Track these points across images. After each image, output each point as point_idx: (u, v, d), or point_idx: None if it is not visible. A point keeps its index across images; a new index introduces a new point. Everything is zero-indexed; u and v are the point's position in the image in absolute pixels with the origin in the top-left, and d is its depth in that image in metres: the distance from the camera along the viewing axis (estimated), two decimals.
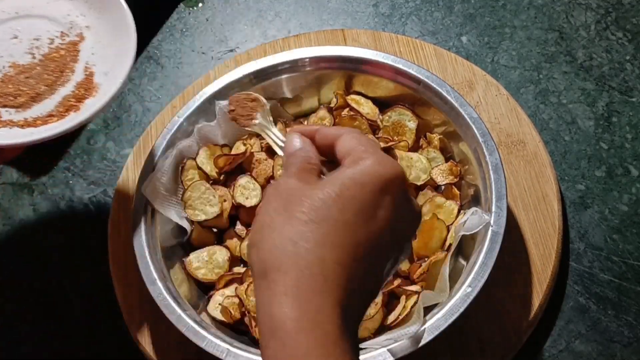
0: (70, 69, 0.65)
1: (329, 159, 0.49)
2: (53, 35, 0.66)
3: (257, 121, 0.59)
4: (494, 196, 0.65)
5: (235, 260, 0.72)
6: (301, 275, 0.40)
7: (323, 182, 0.44)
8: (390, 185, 0.44)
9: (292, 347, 0.38)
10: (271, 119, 0.62)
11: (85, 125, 0.84)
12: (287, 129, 0.55)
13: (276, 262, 0.41)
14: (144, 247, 0.67)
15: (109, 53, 0.65)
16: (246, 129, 0.61)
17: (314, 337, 0.39)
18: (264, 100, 0.64)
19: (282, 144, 0.54)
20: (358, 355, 0.42)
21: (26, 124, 0.62)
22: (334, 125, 0.74)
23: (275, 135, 0.56)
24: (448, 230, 0.68)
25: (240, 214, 0.74)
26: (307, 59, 0.75)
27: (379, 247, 0.43)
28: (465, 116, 0.69)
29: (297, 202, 0.42)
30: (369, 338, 0.65)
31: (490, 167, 0.66)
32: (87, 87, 0.64)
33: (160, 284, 0.65)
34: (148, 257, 0.67)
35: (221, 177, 0.76)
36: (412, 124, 0.74)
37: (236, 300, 0.68)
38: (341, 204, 0.42)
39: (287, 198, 0.43)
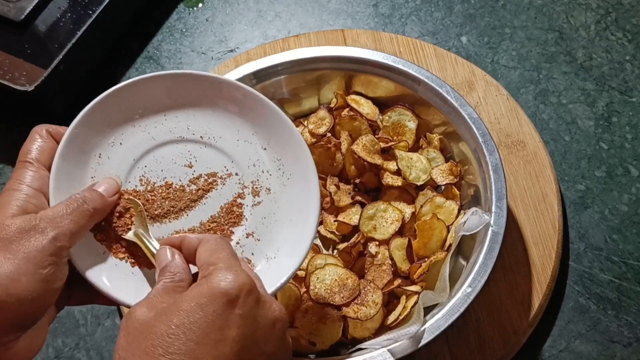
0: None
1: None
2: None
3: (134, 229, 0.51)
4: (494, 196, 0.65)
5: None
6: None
7: (168, 310, 0.42)
8: (235, 300, 0.42)
9: None
10: (147, 224, 0.52)
11: None
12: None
13: None
14: None
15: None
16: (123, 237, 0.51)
17: None
18: (139, 203, 0.52)
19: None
20: None
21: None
22: (333, 126, 0.74)
23: (152, 244, 0.50)
24: (448, 231, 0.68)
25: None
26: (307, 59, 0.75)
27: None
28: (465, 116, 0.69)
29: (144, 339, 0.41)
30: (369, 338, 0.65)
31: (490, 167, 0.66)
32: None
33: None
34: None
35: None
36: (412, 124, 0.74)
37: None
38: (183, 334, 0.40)
39: (134, 335, 0.42)
